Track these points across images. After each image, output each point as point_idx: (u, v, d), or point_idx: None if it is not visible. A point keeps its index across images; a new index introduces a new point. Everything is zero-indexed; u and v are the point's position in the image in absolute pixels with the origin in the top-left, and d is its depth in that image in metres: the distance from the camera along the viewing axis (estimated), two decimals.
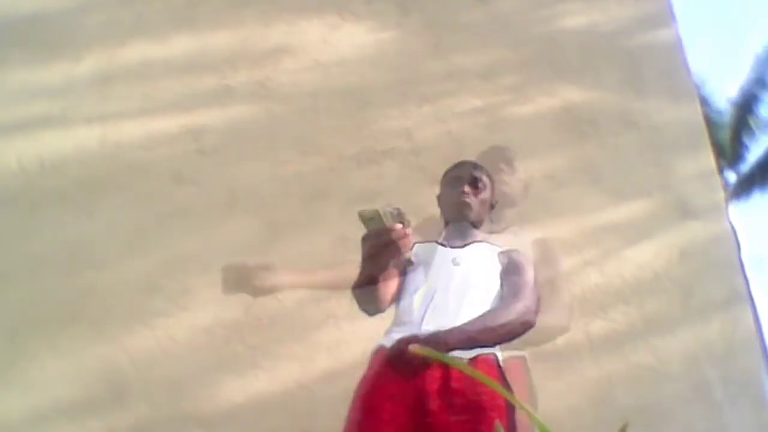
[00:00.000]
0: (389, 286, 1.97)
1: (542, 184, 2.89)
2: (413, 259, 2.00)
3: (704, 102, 15.33)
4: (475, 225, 2.13)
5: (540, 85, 3.05)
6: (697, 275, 2.81)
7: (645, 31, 3.19)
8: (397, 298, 1.98)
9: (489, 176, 2.20)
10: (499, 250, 2.09)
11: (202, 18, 3.02)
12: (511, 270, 2.01)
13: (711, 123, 14.97)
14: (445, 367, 1.76)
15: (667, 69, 3.14)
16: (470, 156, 2.90)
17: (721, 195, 3.07)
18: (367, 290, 1.90)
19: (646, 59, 3.14)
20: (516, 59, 3.11)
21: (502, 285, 1.99)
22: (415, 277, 1.99)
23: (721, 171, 15.33)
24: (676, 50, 3.18)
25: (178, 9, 3.03)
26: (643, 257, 2.82)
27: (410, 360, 1.73)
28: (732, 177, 16.03)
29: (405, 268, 2.01)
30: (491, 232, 2.17)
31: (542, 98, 3.03)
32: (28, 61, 2.88)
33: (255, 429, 2.46)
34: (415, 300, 1.94)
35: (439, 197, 2.23)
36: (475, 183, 2.13)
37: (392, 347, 1.79)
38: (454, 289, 1.93)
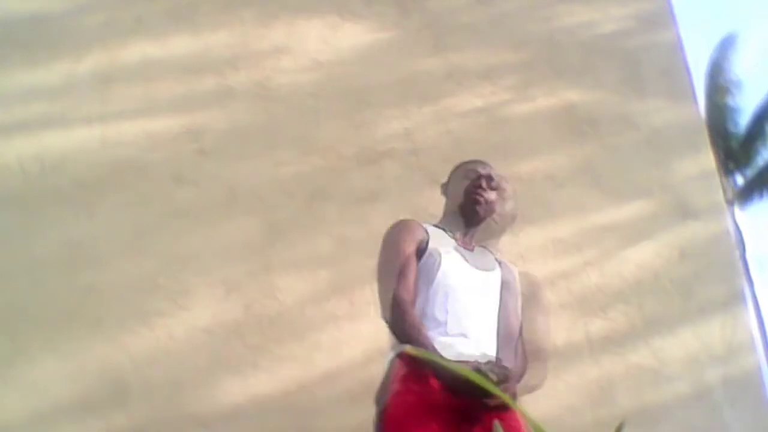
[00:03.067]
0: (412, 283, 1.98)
1: (542, 184, 2.89)
2: (429, 245, 2.02)
3: (726, 105, 15.39)
4: (478, 223, 2.16)
5: (540, 85, 3.05)
6: (697, 275, 2.81)
7: (645, 31, 3.19)
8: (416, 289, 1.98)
9: (499, 184, 2.23)
10: (496, 258, 2.16)
11: (202, 18, 3.02)
12: (507, 291, 2.08)
13: (725, 125, 15.04)
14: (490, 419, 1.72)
15: (667, 69, 3.14)
16: (470, 157, 2.91)
17: (721, 195, 3.07)
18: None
19: (646, 59, 3.14)
20: (516, 59, 3.11)
21: (500, 305, 2.05)
22: (429, 266, 1.99)
23: (731, 173, 15.38)
24: (676, 50, 3.18)
25: (178, 9, 3.03)
26: (643, 257, 2.82)
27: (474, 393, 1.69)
28: (741, 180, 16.07)
29: (422, 253, 2.01)
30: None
31: (542, 98, 3.03)
32: (28, 61, 2.88)
33: (255, 429, 2.46)
34: (431, 296, 1.95)
35: (446, 186, 2.26)
36: (490, 180, 2.18)
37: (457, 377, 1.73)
38: (469, 291, 1.98)
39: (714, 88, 15.48)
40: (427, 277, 1.97)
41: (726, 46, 15.93)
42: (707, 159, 3.05)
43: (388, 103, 2.95)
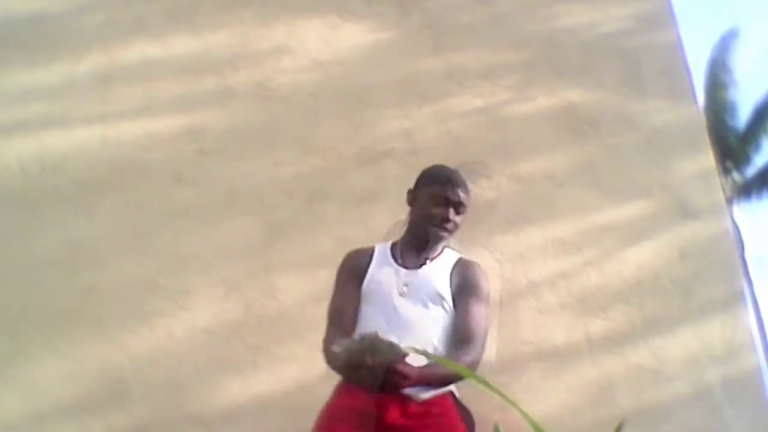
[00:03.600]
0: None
1: (542, 184, 2.89)
2: (371, 271, 2.09)
3: (725, 103, 15.38)
4: (437, 247, 2.16)
5: (540, 85, 3.05)
6: (697, 275, 2.81)
7: (645, 31, 3.19)
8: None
9: (468, 194, 2.21)
10: (455, 260, 2.13)
11: (202, 18, 3.02)
12: (465, 291, 2.07)
13: (724, 124, 15.06)
14: (403, 403, 1.90)
15: (667, 69, 3.14)
16: (470, 157, 2.91)
17: (722, 195, 3.07)
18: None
19: (646, 59, 3.13)
20: (516, 59, 3.11)
21: (456, 306, 2.05)
22: (369, 290, 2.07)
23: (729, 172, 15.38)
24: (676, 50, 3.18)
25: (178, 9, 3.03)
26: (643, 257, 2.82)
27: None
28: (739, 178, 16.06)
29: (363, 279, 2.09)
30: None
31: (542, 98, 3.03)
32: (28, 61, 2.88)
33: (255, 429, 2.47)
34: (367, 316, 2.04)
35: (411, 200, 2.22)
36: (458, 207, 2.14)
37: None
38: (399, 320, 1.98)
39: (713, 86, 15.49)
40: (367, 300, 2.07)
41: (727, 41, 15.92)
42: (707, 159, 3.05)
43: (388, 103, 2.95)
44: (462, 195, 2.15)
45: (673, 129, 3.03)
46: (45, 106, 2.84)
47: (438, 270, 2.12)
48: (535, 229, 2.82)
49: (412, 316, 2.00)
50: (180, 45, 2.97)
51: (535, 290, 2.74)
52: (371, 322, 2.01)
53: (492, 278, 2.72)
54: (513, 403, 0.90)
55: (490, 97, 3.02)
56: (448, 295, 2.06)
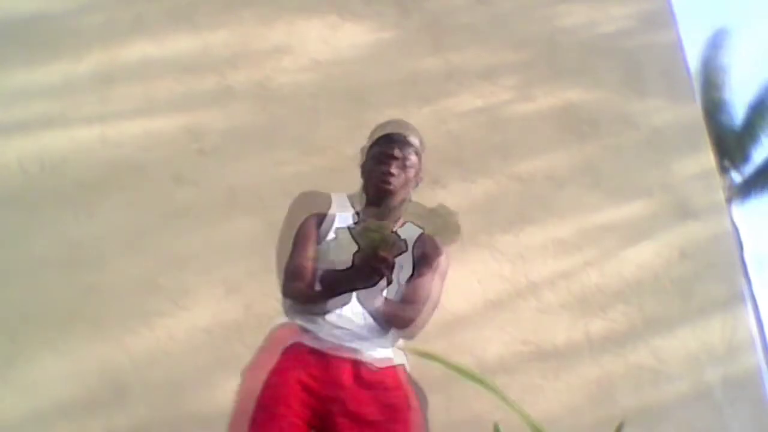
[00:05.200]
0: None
1: (542, 184, 2.90)
2: (332, 234, 2.07)
3: (720, 102, 15.38)
4: (395, 206, 2.14)
5: (540, 85, 3.05)
6: (697, 275, 2.81)
7: (645, 31, 3.19)
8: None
9: (418, 151, 2.18)
10: (417, 235, 2.09)
11: (202, 18, 3.02)
12: (421, 263, 2.07)
13: (719, 123, 15.07)
14: (355, 365, 1.94)
15: (667, 69, 3.14)
16: (470, 157, 2.91)
17: (721, 195, 3.07)
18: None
19: (646, 59, 3.14)
20: (516, 59, 3.11)
21: (413, 273, 2.05)
22: (328, 260, 2.03)
23: (727, 171, 15.39)
24: (676, 50, 3.18)
25: (178, 9, 3.03)
26: (643, 257, 2.82)
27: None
28: (737, 177, 16.06)
29: (321, 240, 2.08)
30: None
31: (542, 98, 3.03)
32: (28, 61, 2.88)
33: None
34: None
35: (362, 165, 2.23)
36: (403, 163, 2.13)
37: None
38: (362, 294, 1.97)
39: (707, 85, 15.49)
40: (323, 263, 2.05)
41: (717, 41, 15.93)
42: (707, 159, 3.05)
43: (388, 103, 2.95)
44: (404, 152, 2.13)
45: (673, 129, 3.04)
46: (45, 106, 2.84)
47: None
48: (535, 229, 2.82)
49: (375, 296, 1.99)
50: (180, 45, 2.97)
51: (535, 290, 2.74)
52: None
53: (492, 278, 2.74)
54: (512, 405, 0.90)
55: (490, 97, 3.02)
56: (409, 269, 2.06)
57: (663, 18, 3.22)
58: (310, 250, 2.07)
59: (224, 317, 2.61)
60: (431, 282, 2.06)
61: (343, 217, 2.12)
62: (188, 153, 2.82)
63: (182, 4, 3.04)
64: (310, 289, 2.01)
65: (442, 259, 2.10)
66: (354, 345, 1.96)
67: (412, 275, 2.06)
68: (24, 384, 2.48)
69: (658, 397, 2.65)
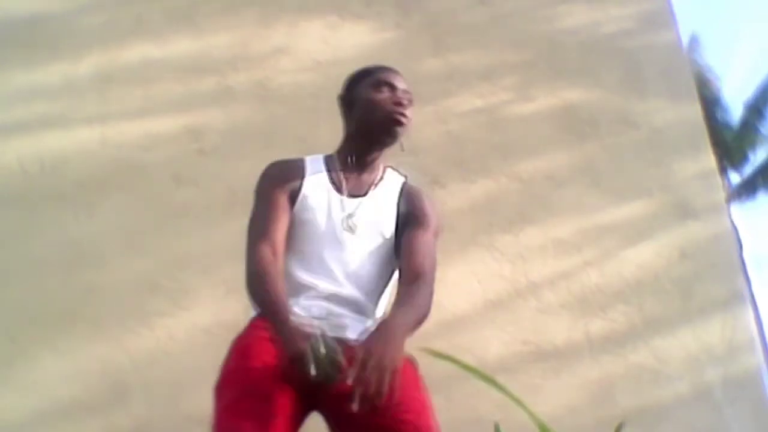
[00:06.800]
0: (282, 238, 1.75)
1: (542, 184, 2.90)
2: (304, 192, 1.78)
3: (715, 101, 15.39)
4: (388, 146, 1.85)
5: (540, 85, 3.05)
6: (697, 275, 2.81)
7: (645, 31, 3.19)
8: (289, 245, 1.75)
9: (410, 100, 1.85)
10: (400, 185, 1.87)
11: (202, 18, 3.02)
12: (412, 221, 1.78)
13: (717, 123, 15.10)
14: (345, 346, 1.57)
15: (667, 69, 3.14)
16: (470, 157, 2.91)
17: (722, 195, 3.08)
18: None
19: (646, 59, 3.14)
20: (516, 59, 3.11)
21: (401, 236, 1.76)
22: (304, 219, 1.76)
23: (725, 171, 15.40)
24: (676, 50, 3.18)
25: (178, 9, 3.03)
26: (643, 257, 2.82)
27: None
28: (735, 178, 16.07)
29: (295, 201, 1.79)
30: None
31: (542, 98, 3.03)
32: (28, 61, 2.88)
33: None
34: (307, 256, 1.74)
35: (345, 98, 1.90)
36: (407, 93, 1.82)
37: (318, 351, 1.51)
38: (346, 257, 1.72)
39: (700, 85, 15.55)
40: (301, 232, 1.76)
41: (691, 48, 15.96)
42: (707, 159, 3.06)
43: None
44: (405, 84, 1.82)
45: (673, 129, 3.04)
46: (45, 106, 2.84)
47: (384, 198, 1.83)
48: (535, 229, 2.82)
49: (361, 258, 1.74)
50: (180, 45, 2.97)
51: (535, 290, 2.74)
52: (311, 261, 1.73)
53: (492, 278, 2.74)
54: (520, 402, 0.90)
55: (490, 97, 3.02)
56: (392, 225, 1.79)
57: (663, 18, 3.23)
58: (281, 211, 1.80)
59: (224, 317, 2.60)
60: (432, 248, 1.76)
61: (315, 167, 1.84)
62: (188, 153, 2.82)
63: (182, 4, 3.04)
64: (278, 256, 1.73)
65: (434, 215, 1.83)
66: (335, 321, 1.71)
67: (397, 235, 1.78)
68: (24, 384, 2.48)
69: (658, 397, 2.65)
